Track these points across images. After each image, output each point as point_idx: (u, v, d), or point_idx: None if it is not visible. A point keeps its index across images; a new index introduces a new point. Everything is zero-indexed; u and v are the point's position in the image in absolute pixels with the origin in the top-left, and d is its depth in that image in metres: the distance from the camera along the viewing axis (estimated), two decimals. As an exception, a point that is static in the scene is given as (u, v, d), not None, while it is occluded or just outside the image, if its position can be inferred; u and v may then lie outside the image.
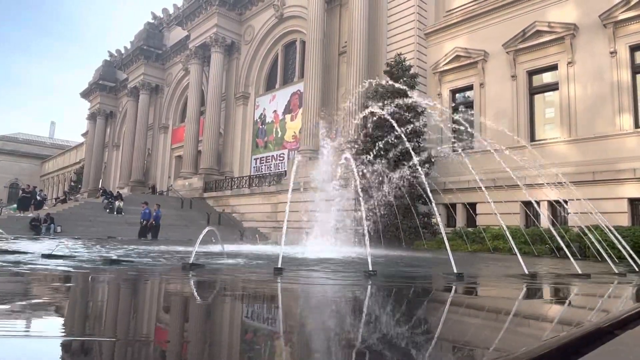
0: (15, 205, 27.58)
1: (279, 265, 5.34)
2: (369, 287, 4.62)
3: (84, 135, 58.22)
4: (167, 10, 39.45)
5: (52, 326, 2.35)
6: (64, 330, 2.22)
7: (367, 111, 12.62)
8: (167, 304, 3.42)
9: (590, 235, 9.06)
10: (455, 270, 5.44)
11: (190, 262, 5.59)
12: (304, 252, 10.68)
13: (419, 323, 2.91)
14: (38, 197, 25.47)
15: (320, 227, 18.34)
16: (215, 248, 11.72)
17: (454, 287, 5.01)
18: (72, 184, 53.63)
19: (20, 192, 20.77)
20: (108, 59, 46.92)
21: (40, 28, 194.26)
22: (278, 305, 3.50)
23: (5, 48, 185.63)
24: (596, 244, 8.40)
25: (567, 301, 4.64)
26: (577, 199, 13.90)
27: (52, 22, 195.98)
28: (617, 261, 8.13)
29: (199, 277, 5.05)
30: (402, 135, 12.11)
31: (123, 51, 42.85)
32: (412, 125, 16.83)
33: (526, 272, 6.05)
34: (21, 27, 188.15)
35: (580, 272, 6.22)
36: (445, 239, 6.75)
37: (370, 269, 5.16)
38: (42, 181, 69.60)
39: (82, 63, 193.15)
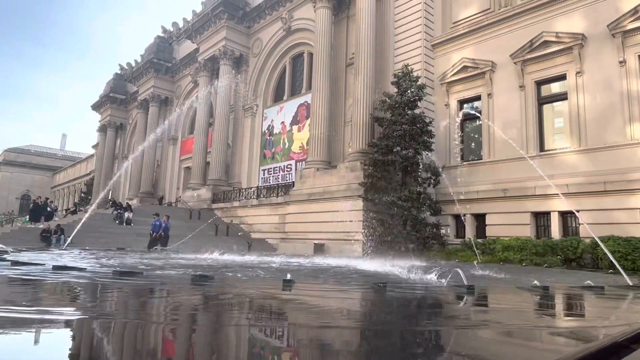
0: (27, 218, 27.91)
1: (288, 278, 5.33)
2: (380, 300, 4.58)
3: (94, 147, 58.93)
4: (177, 24, 40.12)
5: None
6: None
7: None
8: (179, 320, 3.43)
9: (603, 247, 8.93)
10: (465, 283, 5.38)
11: (199, 274, 5.61)
12: (312, 263, 10.64)
13: (428, 338, 2.88)
14: (48, 209, 25.76)
15: (329, 237, 18.32)
16: (225, 258, 11.73)
17: (464, 300, 4.95)
18: (82, 195, 54.17)
19: (32, 204, 21.00)
20: (119, 72, 47.72)
21: (51, 42, 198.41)
22: (288, 322, 3.49)
23: (17, 62, 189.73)
24: (597, 256, 8.28)
25: (582, 314, 4.56)
26: (589, 210, 13.75)
27: (61, 36, 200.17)
28: (631, 272, 7.99)
29: (207, 289, 5.05)
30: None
31: (133, 64, 43.55)
32: (421, 137, 16.86)
33: (538, 284, 5.98)
34: (31, 41, 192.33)
35: (593, 284, 6.12)
36: (454, 250, 6.69)
37: (381, 281, 5.13)
38: (53, 192, 70.42)
39: (92, 76, 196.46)
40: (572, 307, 5.12)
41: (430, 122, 17.54)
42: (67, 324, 2.63)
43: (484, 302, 5.17)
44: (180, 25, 38.56)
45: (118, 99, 47.63)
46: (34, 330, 2.38)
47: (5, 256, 8.46)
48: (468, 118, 18.81)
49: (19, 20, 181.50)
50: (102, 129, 49.43)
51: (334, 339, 2.56)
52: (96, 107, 50.68)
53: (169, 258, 11.45)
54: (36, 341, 2.15)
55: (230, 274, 7.50)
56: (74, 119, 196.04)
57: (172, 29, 40.81)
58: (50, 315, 2.80)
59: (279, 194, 23.22)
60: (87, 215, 19.48)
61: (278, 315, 3.69)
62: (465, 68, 18.41)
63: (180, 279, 6.36)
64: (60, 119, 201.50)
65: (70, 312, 3.06)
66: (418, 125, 16.85)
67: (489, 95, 17.59)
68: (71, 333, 2.49)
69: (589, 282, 6.35)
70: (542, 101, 16.50)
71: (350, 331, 2.91)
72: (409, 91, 16.95)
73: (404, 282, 7.08)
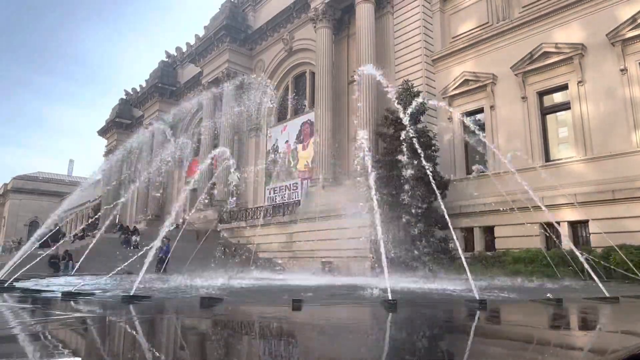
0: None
1: (298, 298, 5.30)
2: (393, 317, 4.53)
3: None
4: (180, 49, 40.88)
5: None
6: None
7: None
8: (198, 342, 3.41)
9: (615, 256, 8.80)
10: (477, 297, 5.31)
11: (208, 296, 5.58)
12: (321, 282, 10.56)
13: (443, 353, 2.84)
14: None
15: (337, 255, 18.20)
16: (231, 280, 11.67)
17: (477, 315, 4.88)
18: (90, 220, 54.36)
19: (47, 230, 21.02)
20: (124, 97, 48.48)
21: (56, 71, 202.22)
22: (300, 344, 3.45)
23: (24, 91, 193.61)
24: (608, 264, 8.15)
25: (597, 327, 4.47)
26: (599, 219, 13.59)
27: (67, 65, 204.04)
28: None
29: (217, 310, 5.02)
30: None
31: (138, 89, 44.27)
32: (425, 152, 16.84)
33: (550, 296, 5.88)
34: (37, 70, 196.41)
35: (607, 295, 6.01)
36: (465, 264, 6.63)
37: (390, 298, 5.08)
38: (61, 218, 70.71)
39: (98, 102, 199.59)
40: (587, 320, 5.03)
41: (434, 136, 17.56)
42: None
43: (496, 318, 5.09)
44: (184, 49, 39.31)
45: (124, 123, 48.25)
46: None
47: (14, 284, 8.48)
48: (472, 131, 18.79)
49: (26, 51, 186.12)
50: (109, 154, 49.94)
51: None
52: (102, 132, 51.34)
53: (178, 281, 11.41)
54: None
55: (237, 296, 7.45)
56: (81, 145, 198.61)
57: (175, 54, 41.58)
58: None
59: (285, 213, 23.19)
60: (95, 239, 19.49)
61: (289, 338, 3.66)
62: (466, 81, 18.52)
63: (189, 301, 6.33)
64: (67, 145, 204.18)
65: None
66: (422, 140, 16.84)
67: (492, 107, 17.63)
68: None
69: (602, 290, 6.23)
70: (545, 111, 16.49)
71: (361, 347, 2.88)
72: (411, 106, 17.00)
73: (416, 298, 7.00)
